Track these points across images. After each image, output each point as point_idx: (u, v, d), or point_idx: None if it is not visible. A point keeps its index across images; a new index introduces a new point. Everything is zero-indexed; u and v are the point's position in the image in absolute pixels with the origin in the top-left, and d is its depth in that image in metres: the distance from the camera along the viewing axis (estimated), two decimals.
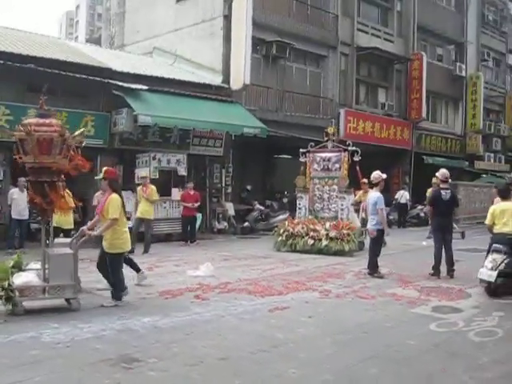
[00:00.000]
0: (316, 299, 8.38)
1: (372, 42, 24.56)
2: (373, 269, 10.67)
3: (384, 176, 11.39)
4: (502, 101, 34.46)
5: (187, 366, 5.24)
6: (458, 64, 29.77)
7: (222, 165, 19.08)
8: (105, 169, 8.37)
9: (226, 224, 18.74)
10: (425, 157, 26.93)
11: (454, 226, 17.65)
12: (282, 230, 14.49)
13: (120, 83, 15.23)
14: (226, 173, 19.23)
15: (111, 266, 7.76)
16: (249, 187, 20.48)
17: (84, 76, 14.57)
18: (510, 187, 10.15)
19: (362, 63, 25.09)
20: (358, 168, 14.80)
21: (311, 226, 14.17)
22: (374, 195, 10.90)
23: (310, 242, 13.86)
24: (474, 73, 31.08)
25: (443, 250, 10.73)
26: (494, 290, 8.81)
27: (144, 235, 13.55)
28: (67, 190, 9.89)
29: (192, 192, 15.73)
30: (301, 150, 15.25)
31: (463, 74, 30.02)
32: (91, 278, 9.06)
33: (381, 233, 10.76)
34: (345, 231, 13.73)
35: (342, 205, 14.70)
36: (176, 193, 16.30)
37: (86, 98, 15.54)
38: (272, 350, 5.79)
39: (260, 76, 20.27)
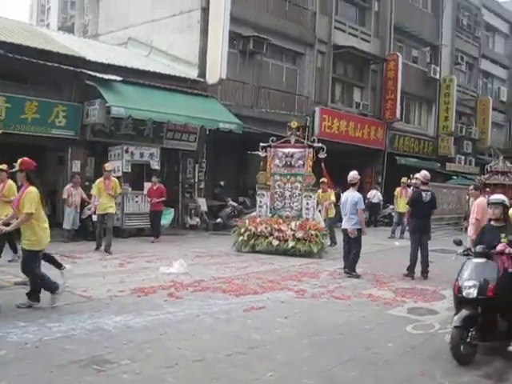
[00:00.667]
0: (292, 299, 8.27)
1: (349, 40, 24.53)
2: (353, 268, 10.67)
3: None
4: (473, 104, 34.85)
5: (162, 368, 5.06)
6: (432, 66, 29.97)
7: (195, 160, 18.86)
8: (20, 160, 7.34)
9: (198, 220, 18.53)
10: (398, 157, 27.10)
11: None
12: (242, 230, 13.56)
13: (93, 73, 14.88)
14: (199, 168, 19.01)
15: (24, 263, 7.03)
16: (222, 183, 20.30)
17: (56, 64, 14.16)
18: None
19: (339, 62, 25.06)
20: (323, 166, 14.25)
21: (275, 226, 13.32)
22: (355, 195, 10.89)
23: (275, 242, 13.11)
24: (447, 76, 31.36)
25: (419, 251, 10.76)
26: None
27: (106, 231, 12.76)
28: (9, 181, 9.62)
29: (155, 187, 15.26)
30: (261, 144, 14.30)
31: (437, 76, 30.25)
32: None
33: (360, 232, 10.74)
34: (312, 232, 13.01)
35: (307, 204, 13.78)
36: (148, 187, 16.01)
37: (57, 88, 15.15)
38: (249, 352, 5.65)
39: (236, 71, 20.08)
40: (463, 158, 32.90)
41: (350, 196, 10.87)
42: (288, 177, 14.13)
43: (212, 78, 18.37)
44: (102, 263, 10.83)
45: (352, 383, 5.06)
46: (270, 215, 13.89)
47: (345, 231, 10.86)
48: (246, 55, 20.33)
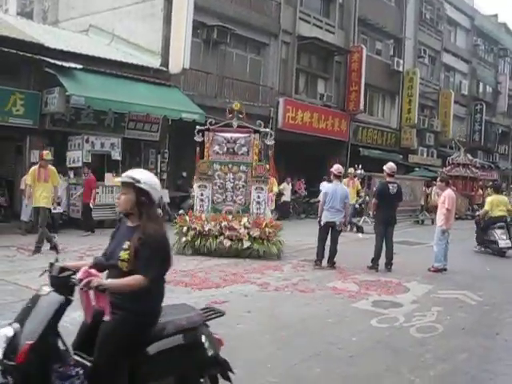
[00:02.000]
0: (255, 292, 8.16)
1: (313, 32, 24.46)
2: (332, 261, 10.72)
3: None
4: (435, 97, 35.29)
5: None
6: (395, 59, 30.19)
7: (157, 150, 18.57)
8: None
9: (160, 211, 18.15)
10: (361, 149, 27.23)
11: (368, 220, 18.30)
12: (185, 229, 11.55)
13: (52, 61, 14.44)
14: (161, 158, 18.73)
15: None
16: (184, 174, 20.02)
17: (13, 51, 13.69)
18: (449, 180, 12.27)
19: (303, 53, 24.99)
20: (270, 153, 13.01)
21: (225, 224, 11.48)
22: (345, 188, 11.17)
23: (227, 243, 11.28)
24: (410, 68, 31.64)
25: (384, 243, 10.77)
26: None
27: (40, 227, 11.06)
28: None
29: (86, 178, 14.70)
30: (197, 128, 12.53)
31: (400, 69, 30.47)
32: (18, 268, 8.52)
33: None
34: (268, 229, 11.49)
35: (258, 197, 12.11)
36: (110, 178, 15.66)
37: (15, 75, 14.66)
38: None
39: (200, 61, 19.81)
40: (425, 150, 33.35)
41: (340, 188, 10.87)
42: (230, 166, 12.32)
43: (175, 67, 18.09)
44: (60, 256, 10.43)
45: (316, 381, 4.96)
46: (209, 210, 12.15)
47: (331, 224, 10.72)
48: (210, 45, 20.07)
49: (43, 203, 11.09)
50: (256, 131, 12.43)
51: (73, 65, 14.77)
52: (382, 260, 10.73)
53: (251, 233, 11.38)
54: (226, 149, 12.34)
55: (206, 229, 11.40)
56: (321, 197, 11.18)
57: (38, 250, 10.68)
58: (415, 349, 5.89)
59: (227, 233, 11.37)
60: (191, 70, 18.74)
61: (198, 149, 12.47)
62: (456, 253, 12.99)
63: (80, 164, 15.05)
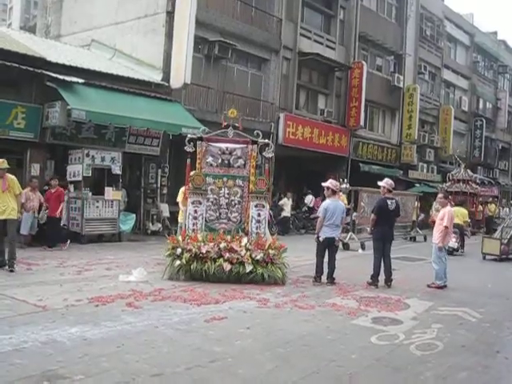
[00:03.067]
0: (254, 309, 8.10)
1: (314, 48, 24.60)
2: (332, 277, 10.70)
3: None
4: (436, 113, 35.38)
5: None
6: (396, 75, 30.30)
7: (158, 165, 18.59)
8: None
9: (160, 226, 18.23)
10: (361, 164, 27.25)
11: (354, 236, 17.75)
12: (179, 251, 10.10)
13: (54, 75, 14.50)
14: (162, 173, 18.75)
15: None
16: None
17: (15, 65, 13.77)
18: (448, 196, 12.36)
19: (304, 69, 25.09)
20: (267, 167, 11.87)
21: (224, 245, 10.17)
22: (343, 204, 11.04)
23: (227, 267, 9.90)
24: (411, 84, 31.74)
25: (382, 259, 10.74)
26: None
27: (8, 242, 10.24)
28: None
29: (54, 190, 14.05)
30: (188, 136, 11.60)
31: (401, 85, 30.56)
32: (16, 282, 8.45)
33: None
34: (272, 251, 10.29)
35: (258, 215, 10.90)
36: (110, 192, 15.67)
37: (17, 89, 14.71)
38: (209, 365, 5.45)
39: (201, 76, 19.89)
40: (425, 165, 33.34)
41: (340, 205, 10.86)
42: (225, 179, 11.26)
43: (176, 82, 18.15)
44: (59, 270, 10.48)
45: None
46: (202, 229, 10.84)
47: (331, 240, 10.69)
48: (211, 60, 20.16)
49: (12, 215, 10.20)
50: (254, 142, 11.37)
51: (74, 79, 14.83)
52: (382, 276, 10.69)
53: (253, 255, 10.10)
54: (220, 160, 11.27)
55: (204, 251, 10.00)
56: (320, 213, 11.00)
57: (12, 265, 10.03)
58: (415, 366, 5.84)
59: (227, 255, 10.00)
60: (192, 85, 18.81)
61: (188, 160, 11.28)
62: (457, 269, 12.98)
63: (80, 178, 15.05)
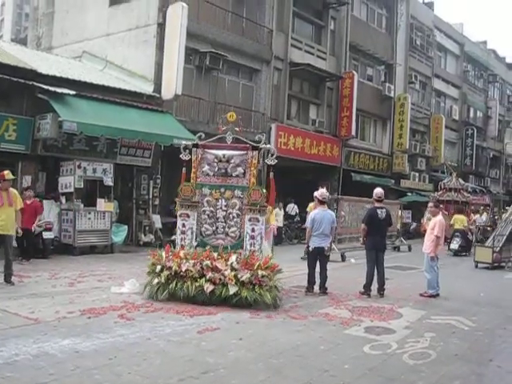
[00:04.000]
0: (247, 319, 8.08)
1: (305, 58, 24.69)
2: (324, 287, 10.70)
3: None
4: (427, 122, 35.59)
5: None
6: (387, 84, 30.47)
7: (149, 176, 18.57)
8: None
9: (152, 237, 18.17)
10: (353, 174, 27.32)
11: (334, 247, 16.86)
12: (159, 268, 9.23)
13: (45, 86, 14.49)
14: (153, 184, 18.71)
15: None
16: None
17: (6, 77, 13.76)
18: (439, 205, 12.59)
19: (295, 79, 25.19)
20: (271, 176, 10.25)
21: (208, 263, 9.01)
22: (332, 213, 11.09)
23: (209, 287, 8.78)
24: (401, 94, 31.91)
25: (375, 269, 10.77)
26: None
27: (7, 257, 10.03)
28: None
29: (29, 201, 13.28)
30: (183, 143, 10.66)
31: (391, 94, 30.75)
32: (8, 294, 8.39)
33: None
34: (262, 272, 8.86)
35: (253, 230, 9.56)
36: (101, 203, 15.63)
37: (7, 101, 14.68)
38: (202, 377, 5.43)
39: (192, 87, 19.93)
40: (417, 174, 33.46)
41: (327, 214, 10.84)
42: (222, 190, 9.98)
43: (167, 93, 18.17)
44: (51, 282, 10.42)
45: None
46: (196, 244, 9.79)
47: (320, 250, 10.70)
48: (203, 71, 20.21)
49: (11, 231, 10.07)
50: (255, 148, 10.06)
51: (65, 91, 14.82)
52: (375, 285, 10.71)
53: (239, 275, 8.83)
54: (217, 169, 10.11)
55: (184, 269, 9.01)
56: (308, 223, 11.03)
57: (8, 280, 9.91)
58: (408, 376, 5.85)
59: (209, 274, 8.88)
60: (184, 96, 18.83)
61: (184, 169, 10.36)
62: (449, 278, 13.02)
63: (72, 189, 15.01)
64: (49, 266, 12.76)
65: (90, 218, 15.32)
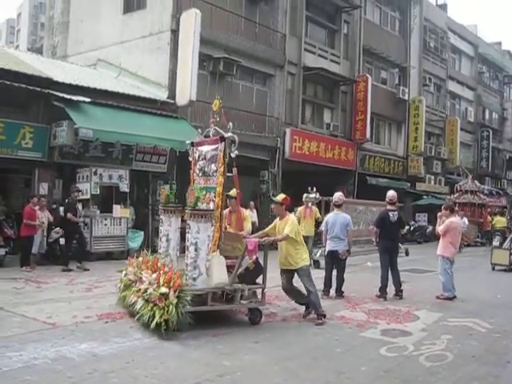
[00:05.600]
0: (262, 323, 8.09)
1: (319, 62, 24.70)
2: (341, 289, 10.68)
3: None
4: (442, 125, 35.38)
5: None
6: (401, 87, 30.36)
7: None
8: None
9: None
10: (368, 177, 27.22)
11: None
12: (124, 273, 8.75)
13: (61, 94, 14.63)
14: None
15: None
16: None
17: (23, 85, 13.93)
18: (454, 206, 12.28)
19: (309, 83, 25.19)
20: (235, 171, 8.73)
21: (139, 273, 8.23)
22: (345, 216, 10.98)
23: (133, 299, 7.85)
24: (416, 96, 31.78)
25: (389, 271, 10.73)
26: None
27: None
28: None
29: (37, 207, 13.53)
30: (187, 142, 9.98)
31: (406, 97, 30.62)
32: (26, 300, 8.45)
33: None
34: (162, 290, 7.21)
35: (197, 238, 7.84)
36: (117, 209, 15.74)
37: (24, 109, 14.87)
38: (218, 380, 5.46)
39: (206, 92, 19.98)
40: (433, 177, 33.25)
41: (340, 217, 10.84)
42: (204, 193, 8.61)
43: (182, 99, 18.25)
44: (68, 288, 10.52)
45: None
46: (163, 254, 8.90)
47: (334, 253, 10.71)
48: (216, 77, 20.29)
49: None
50: (222, 139, 8.52)
51: (81, 98, 14.97)
52: (391, 288, 10.68)
53: (149, 290, 7.49)
54: (200, 168, 9.08)
55: (131, 277, 8.37)
56: (323, 226, 11.26)
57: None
58: (425, 378, 5.83)
59: (137, 285, 7.99)
60: (198, 102, 18.89)
61: (191, 171, 9.42)
62: (466, 280, 12.93)
63: (88, 196, 15.14)
64: (66, 272, 12.87)
65: (106, 224, 15.44)
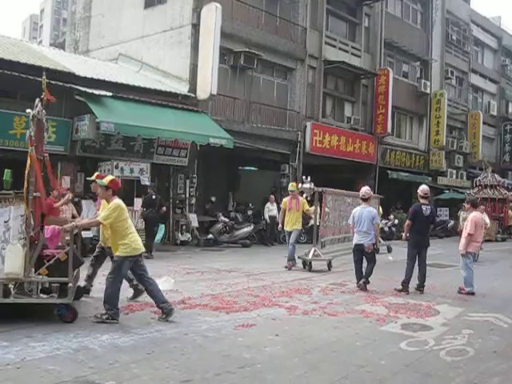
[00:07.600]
0: (283, 316, 8.11)
1: (339, 56, 24.60)
2: (367, 280, 10.74)
3: None
4: (464, 118, 35.04)
5: None
6: (422, 81, 30.13)
7: (186, 175, 18.74)
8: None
9: (189, 236, 18.35)
10: (389, 171, 27.08)
11: (318, 252, 13.38)
12: None
13: (83, 88, 14.79)
14: (190, 183, 18.87)
15: None
16: (213, 198, 20.16)
17: (46, 80, 14.04)
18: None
19: (329, 77, 25.10)
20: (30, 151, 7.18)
21: None
22: (371, 210, 10.99)
23: None
24: (438, 90, 31.50)
25: (416, 266, 10.70)
26: None
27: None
28: None
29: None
30: None
31: (428, 90, 30.35)
32: None
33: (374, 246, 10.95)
34: None
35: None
36: (139, 203, 15.86)
37: (47, 103, 14.99)
38: (238, 371, 5.48)
39: (227, 86, 20.04)
40: (455, 171, 32.98)
41: (366, 211, 10.85)
42: None
43: (203, 93, 18.33)
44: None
45: None
46: None
47: (360, 247, 10.78)
48: (237, 70, 20.32)
49: None
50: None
51: (103, 92, 15.10)
52: (412, 283, 10.62)
53: None
54: None
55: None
56: (350, 220, 11.30)
57: None
58: (445, 372, 5.79)
59: None
60: (219, 96, 18.97)
61: None
62: (487, 275, 12.83)
63: None
64: (86, 264, 12.97)
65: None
